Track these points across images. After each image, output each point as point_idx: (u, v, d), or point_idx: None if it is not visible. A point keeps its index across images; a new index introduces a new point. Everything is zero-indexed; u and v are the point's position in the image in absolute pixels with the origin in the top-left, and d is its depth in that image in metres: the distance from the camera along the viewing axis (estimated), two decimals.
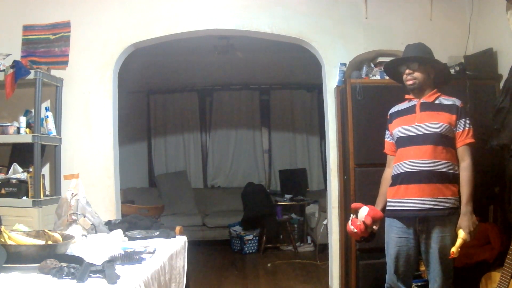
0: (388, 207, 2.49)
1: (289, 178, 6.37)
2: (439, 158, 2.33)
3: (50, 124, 3.39)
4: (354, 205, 2.58)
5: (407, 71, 2.45)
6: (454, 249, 2.23)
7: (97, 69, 3.59)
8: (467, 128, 2.37)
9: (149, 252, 1.84)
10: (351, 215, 2.56)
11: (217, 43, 5.35)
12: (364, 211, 2.45)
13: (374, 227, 2.46)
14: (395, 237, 2.43)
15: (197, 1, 3.65)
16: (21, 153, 3.40)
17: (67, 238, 1.77)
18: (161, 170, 6.72)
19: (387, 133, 2.61)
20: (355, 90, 3.19)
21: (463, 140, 2.36)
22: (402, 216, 2.40)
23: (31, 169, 3.23)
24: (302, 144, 6.82)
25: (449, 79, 2.62)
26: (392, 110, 2.60)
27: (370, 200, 2.62)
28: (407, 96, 2.54)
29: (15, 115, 3.39)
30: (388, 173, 2.56)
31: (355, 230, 2.45)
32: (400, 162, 2.43)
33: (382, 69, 3.22)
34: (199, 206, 6.31)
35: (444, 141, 2.35)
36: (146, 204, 4.73)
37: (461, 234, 2.26)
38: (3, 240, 1.62)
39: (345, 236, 3.36)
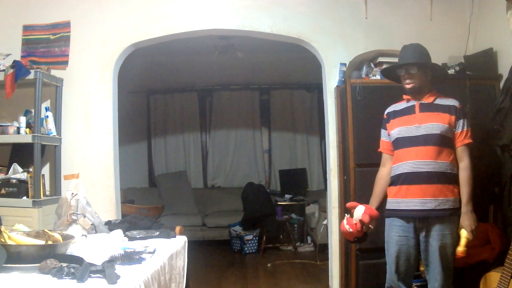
0: (388, 207, 2.48)
1: (289, 178, 6.37)
2: (440, 159, 2.34)
3: (50, 124, 3.39)
4: (349, 204, 2.56)
5: (406, 75, 2.44)
6: (461, 249, 2.23)
7: (97, 69, 3.59)
8: (465, 129, 2.38)
9: (149, 252, 1.84)
10: (346, 214, 2.55)
11: (217, 43, 5.35)
12: (360, 210, 2.44)
13: (370, 226, 2.45)
14: (395, 236, 2.43)
15: (197, 1, 3.64)
16: (21, 153, 3.39)
17: (67, 238, 1.77)
18: (161, 170, 6.72)
19: (384, 132, 2.60)
20: (355, 90, 3.19)
21: (462, 141, 2.38)
22: (403, 216, 2.40)
23: (31, 169, 3.23)
24: (302, 144, 6.82)
25: (445, 77, 2.62)
26: (389, 110, 2.59)
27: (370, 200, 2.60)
28: (405, 96, 2.54)
29: (15, 115, 3.38)
30: (383, 172, 2.56)
31: (351, 230, 2.44)
32: (400, 163, 2.43)
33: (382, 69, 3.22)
34: (199, 206, 6.31)
35: (445, 142, 2.36)
36: (146, 204, 4.74)
37: (464, 233, 2.27)
38: (3, 240, 1.62)
39: None
